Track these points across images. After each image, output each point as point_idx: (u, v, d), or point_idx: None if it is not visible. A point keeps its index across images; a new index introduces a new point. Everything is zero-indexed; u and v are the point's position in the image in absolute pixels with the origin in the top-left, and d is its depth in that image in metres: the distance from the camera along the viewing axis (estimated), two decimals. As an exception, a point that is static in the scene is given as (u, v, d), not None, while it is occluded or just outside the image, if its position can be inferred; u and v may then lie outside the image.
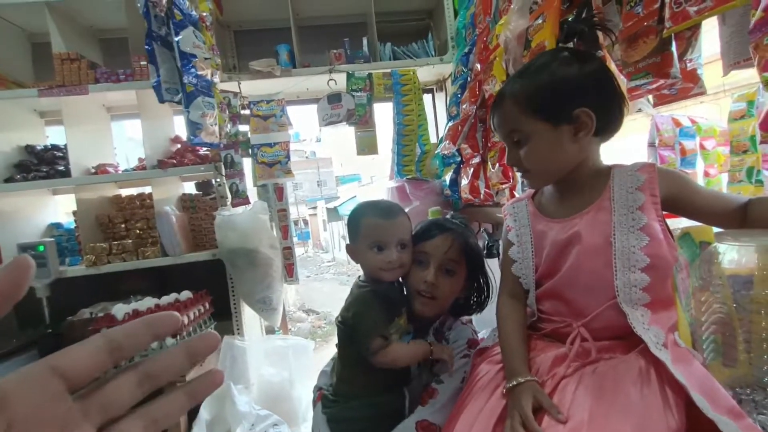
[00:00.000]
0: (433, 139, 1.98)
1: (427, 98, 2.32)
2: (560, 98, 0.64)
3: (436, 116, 2.33)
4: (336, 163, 20.37)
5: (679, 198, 0.64)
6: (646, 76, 0.77)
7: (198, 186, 1.96)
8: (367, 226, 0.86)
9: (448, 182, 1.70)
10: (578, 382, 0.60)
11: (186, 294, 1.57)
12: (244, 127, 1.80)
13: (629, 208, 0.64)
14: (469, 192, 1.45)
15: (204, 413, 1.38)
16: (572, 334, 0.66)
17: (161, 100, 1.41)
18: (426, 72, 1.98)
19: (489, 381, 0.70)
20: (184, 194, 1.97)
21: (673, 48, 0.73)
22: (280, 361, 1.75)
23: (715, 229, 0.66)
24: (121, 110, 2.03)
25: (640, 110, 1.03)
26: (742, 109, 1.53)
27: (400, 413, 0.83)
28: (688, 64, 0.77)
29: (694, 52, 0.75)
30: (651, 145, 1.72)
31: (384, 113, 1.99)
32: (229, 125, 1.71)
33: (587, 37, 0.82)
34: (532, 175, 0.71)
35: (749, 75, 0.90)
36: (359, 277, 0.93)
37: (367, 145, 1.86)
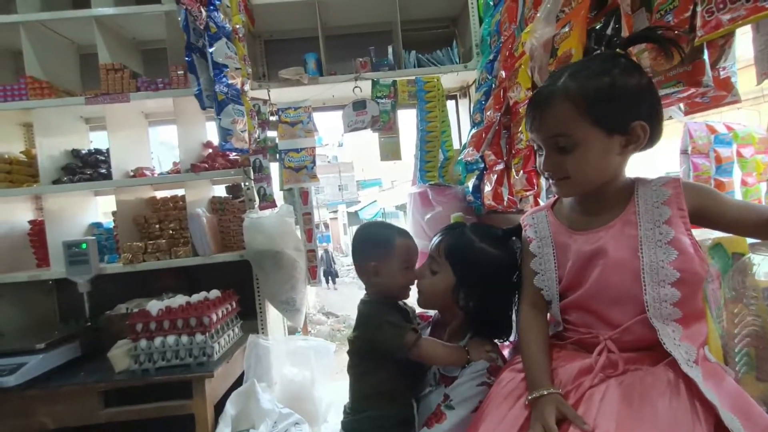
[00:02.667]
0: (456, 146, 1.99)
1: (450, 105, 2.33)
2: (621, 107, 0.62)
3: (459, 123, 2.33)
4: (357, 168, 20.56)
5: (707, 211, 0.63)
6: (677, 85, 0.76)
7: (228, 189, 2.04)
8: (403, 247, 0.93)
9: (470, 188, 1.70)
10: (604, 392, 0.59)
11: (215, 293, 1.63)
12: (272, 133, 1.87)
13: (655, 222, 0.64)
14: (492, 199, 1.45)
15: (230, 408, 1.43)
16: (599, 346, 0.65)
17: (203, 107, 1.48)
18: (450, 79, 1.99)
19: (513, 389, 0.70)
20: (214, 197, 2.05)
21: (705, 56, 0.72)
22: (303, 362, 1.79)
23: (750, 240, 0.64)
24: (157, 116, 2.15)
25: (670, 117, 1.02)
26: None
27: (410, 424, 0.85)
28: (721, 73, 0.76)
29: (727, 60, 0.74)
30: (684, 152, 1.67)
31: (407, 119, 2.01)
32: (258, 131, 1.78)
33: (659, 44, 0.72)
34: (569, 183, 0.68)
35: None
36: (365, 295, 0.97)
37: (390, 151, 1.89)
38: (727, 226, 0.64)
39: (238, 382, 1.62)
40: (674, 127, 1.69)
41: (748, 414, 0.53)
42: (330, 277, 9.37)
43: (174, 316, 1.46)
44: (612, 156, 0.65)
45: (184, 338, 1.44)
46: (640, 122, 0.62)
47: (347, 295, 7.88)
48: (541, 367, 0.67)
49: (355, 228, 1.02)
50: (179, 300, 1.55)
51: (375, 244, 0.95)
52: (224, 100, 1.39)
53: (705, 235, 0.68)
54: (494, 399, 0.70)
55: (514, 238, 0.85)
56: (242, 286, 1.82)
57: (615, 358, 0.63)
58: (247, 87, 1.63)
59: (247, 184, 1.80)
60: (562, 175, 0.67)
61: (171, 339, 1.43)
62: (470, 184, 1.69)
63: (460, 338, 0.88)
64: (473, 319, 0.86)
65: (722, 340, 0.64)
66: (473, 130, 1.58)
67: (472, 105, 1.80)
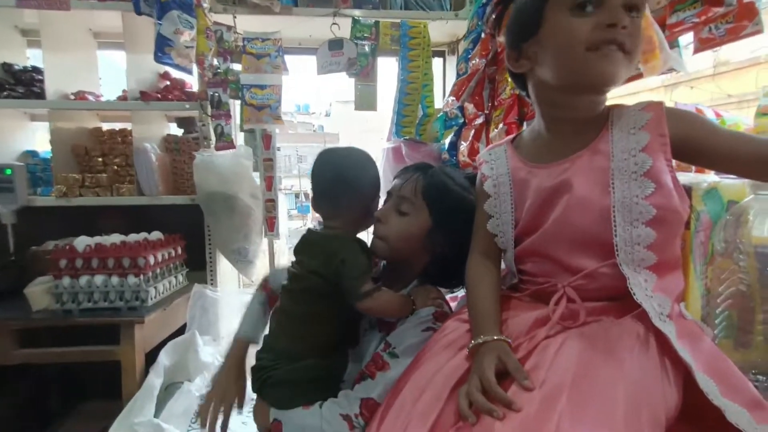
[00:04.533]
0: (438, 105, 1.85)
1: (437, 63, 2.17)
2: None
3: (445, 83, 2.18)
4: (343, 140, 20.11)
5: (693, 140, 0.52)
6: (694, 5, 0.64)
7: (179, 122, 1.84)
8: (377, 175, 0.81)
9: (446, 146, 1.58)
10: (561, 343, 0.50)
11: (156, 234, 1.48)
12: (237, 67, 1.67)
13: (631, 151, 0.53)
14: (468, 155, 1.34)
15: (164, 358, 1.31)
16: (557, 294, 0.56)
17: (138, 11, 1.28)
18: (438, 29, 1.82)
19: (456, 339, 0.60)
20: (168, 135, 1.86)
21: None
22: (253, 317, 1.67)
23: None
24: (109, 38, 1.90)
25: (672, 70, 0.91)
26: None
27: (340, 377, 0.76)
28: (745, -2, 0.65)
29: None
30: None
31: (387, 70, 1.85)
32: (218, 61, 1.58)
33: None
34: (624, 60, 0.51)
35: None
36: (325, 228, 0.80)
37: (366, 101, 1.73)
38: (716, 160, 0.54)
39: (180, 333, 1.50)
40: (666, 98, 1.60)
41: (727, 378, 0.45)
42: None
43: (104, 254, 1.30)
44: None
45: (115, 279, 1.29)
46: None
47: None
48: (489, 314, 0.58)
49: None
50: (113, 239, 1.39)
51: (361, 167, 0.78)
52: (168, 4, 1.18)
53: (699, 178, 0.58)
54: (433, 347, 0.60)
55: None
56: (194, 234, 1.67)
57: (576, 308, 0.53)
58: (206, 3, 1.42)
59: (202, 120, 1.62)
60: (629, 43, 0.51)
61: (99, 279, 1.28)
62: (447, 141, 1.57)
63: (403, 287, 0.78)
64: (437, 266, 0.76)
65: (703, 300, 0.56)
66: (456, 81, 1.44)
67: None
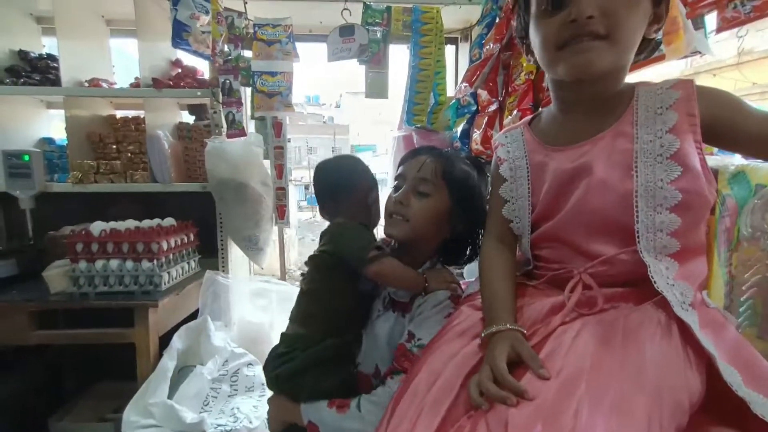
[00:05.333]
0: (450, 93, 1.82)
1: (449, 50, 2.13)
2: None
3: (457, 71, 2.14)
4: (353, 132, 20.03)
5: (724, 121, 0.49)
6: (719, -22, 0.61)
7: (191, 109, 1.84)
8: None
9: (458, 134, 1.55)
10: (579, 330, 0.49)
11: (169, 221, 1.49)
12: (248, 53, 1.66)
13: (657, 132, 0.50)
14: (481, 143, 1.31)
15: (177, 342, 1.33)
16: (573, 280, 0.54)
17: None
18: (451, 15, 1.78)
19: (470, 326, 0.59)
20: (180, 122, 1.86)
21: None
22: (264, 304, 1.69)
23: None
24: (121, 25, 1.91)
25: (696, 53, 0.87)
26: None
27: (355, 357, 0.78)
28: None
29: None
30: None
31: (399, 57, 1.82)
32: (229, 47, 1.58)
33: None
34: (604, 46, 0.49)
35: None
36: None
37: (377, 88, 1.70)
38: (746, 144, 0.51)
39: (193, 318, 1.52)
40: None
41: (751, 367, 0.43)
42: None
43: (119, 238, 1.32)
44: (643, 27, 0.51)
45: (129, 264, 1.31)
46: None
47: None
48: (502, 302, 0.57)
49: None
50: (128, 224, 1.41)
51: (348, 170, 0.86)
52: (183, -12, 1.18)
53: (726, 161, 0.55)
54: (446, 334, 0.59)
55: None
56: (206, 221, 1.68)
57: (593, 295, 0.52)
58: (217, -12, 1.41)
59: (214, 107, 1.62)
60: (604, 29, 0.49)
61: (114, 263, 1.31)
62: (459, 129, 1.55)
63: (417, 267, 0.78)
64: (450, 246, 0.79)
65: (727, 287, 0.54)
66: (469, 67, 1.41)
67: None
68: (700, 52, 0.85)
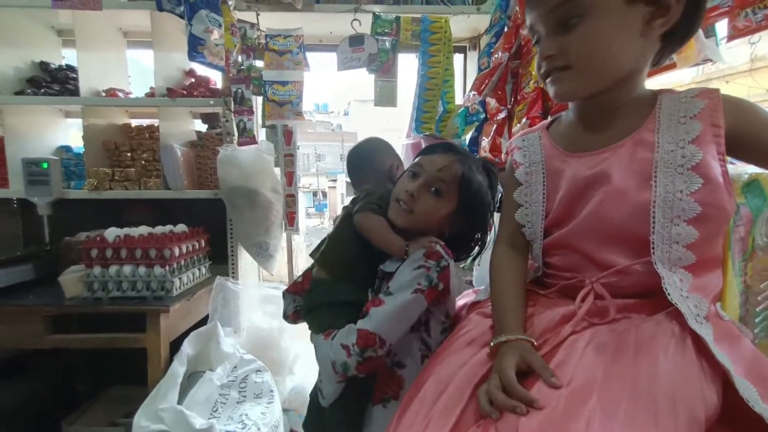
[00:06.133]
0: (459, 101, 1.83)
1: (458, 59, 2.14)
2: None
3: (466, 79, 2.15)
4: (361, 138, 20.14)
5: (750, 134, 0.48)
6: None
7: (204, 118, 1.88)
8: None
9: (467, 141, 1.55)
10: (590, 339, 0.48)
11: (181, 227, 1.52)
12: (260, 63, 1.70)
13: (679, 142, 0.49)
14: (490, 150, 1.31)
15: (187, 347, 1.35)
16: (585, 289, 0.54)
17: (159, 8, 1.31)
18: (460, 24, 1.80)
19: (480, 335, 0.59)
20: (192, 131, 1.90)
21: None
22: (273, 310, 1.70)
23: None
24: (137, 37, 1.96)
25: (707, 61, 0.86)
26: None
27: (361, 305, 0.78)
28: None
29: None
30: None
31: (408, 66, 1.84)
32: (242, 57, 1.61)
33: None
34: (571, 76, 0.52)
35: None
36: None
37: (386, 97, 1.72)
38: (765, 157, 0.50)
39: (203, 323, 1.54)
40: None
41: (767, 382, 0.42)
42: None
43: (132, 244, 1.35)
44: (631, 34, 0.49)
45: (142, 269, 1.34)
46: None
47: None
48: (512, 310, 0.56)
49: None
50: (141, 230, 1.44)
51: (382, 149, 1.02)
52: (196, 3, 1.21)
53: (739, 169, 0.55)
54: (456, 342, 0.59)
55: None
56: (217, 228, 1.71)
57: (604, 305, 0.51)
58: (231, 1, 1.45)
59: (226, 116, 1.65)
60: (564, 62, 0.52)
61: (127, 269, 1.33)
62: (467, 137, 1.55)
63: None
64: (448, 240, 0.79)
65: (742, 297, 0.53)
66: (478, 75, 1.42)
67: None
68: (711, 60, 0.85)
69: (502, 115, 1.29)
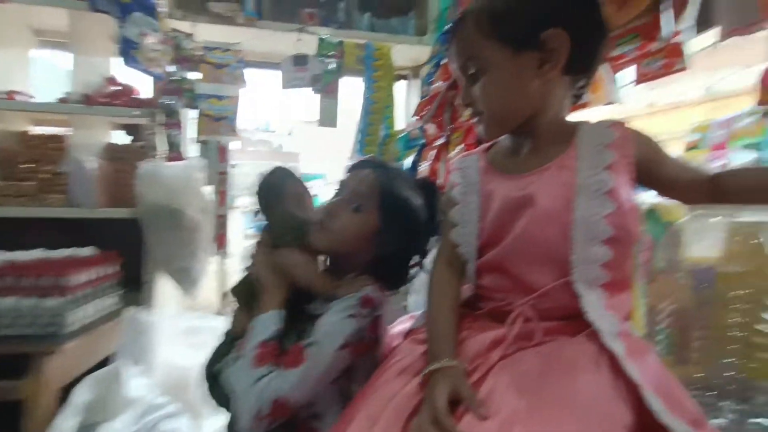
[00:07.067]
0: (400, 126, 1.88)
1: (401, 86, 2.22)
2: (525, 15, 0.52)
3: (408, 105, 2.22)
4: (304, 160, 20.02)
5: (650, 164, 0.54)
6: (633, 39, 0.69)
7: (128, 129, 1.72)
8: None
9: (407, 165, 1.59)
10: (517, 364, 0.48)
11: (88, 250, 1.33)
12: (194, 75, 1.60)
13: (596, 168, 0.53)
14: (429, 175, 1.34)
15: (80, 395, 1.13)
16: (513, 313, 0.54)
17: (94, 8, 1.19)
18: (402, 53, 1.87)
19: (411, 363, 0.56)
20: (112, 143, 1.72)
21: (661, 12, 0.66)
22: (195, 343, 1.53)
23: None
24: (52, 37, 1.77)
25: (611, 103, 0.97)
26: (696, 140, 1.57)
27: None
28: (674, 39, 0.71)
29: (684, 23, 0.68)
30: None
31: (352, 88, 1.86)
32: (175, 68, 1.51)
33: None
34: (485, 121, 0.58)
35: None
36: None
37: (330, 117, 1.72)
38: (663, 185, 0.56)
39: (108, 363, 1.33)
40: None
41: (672, 395, 0.44)
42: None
43: (19, 272, 1.14)
44: (526, 79, 0.54)
45: (29, 301, 1.12)
46: (552, 31, 0.51)
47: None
48: (445, 335, 0.55)
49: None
50: (35, 254, 1.23)
51: (298, 178, 0.83)
52: (130, 5, 1.11)
53: (641, 198, 0.60)
54: (385, 372, 0.56)
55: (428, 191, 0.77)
56: (135, 251, 1.52)
57: (532, 327, 0.51)
58: (164, 8, 1.37)
59: (152, 128, 1.52)
60: (477, 109, 0.58)
61: (10, 301, 1.11)
62: (407, 161, 1.58)
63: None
64: (378, 266, 0.72)
65: (647, 317, 0.56)
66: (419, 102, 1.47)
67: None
68: (616, 102, 0.95)
69: (440, 142, 1.33)
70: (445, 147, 1.32)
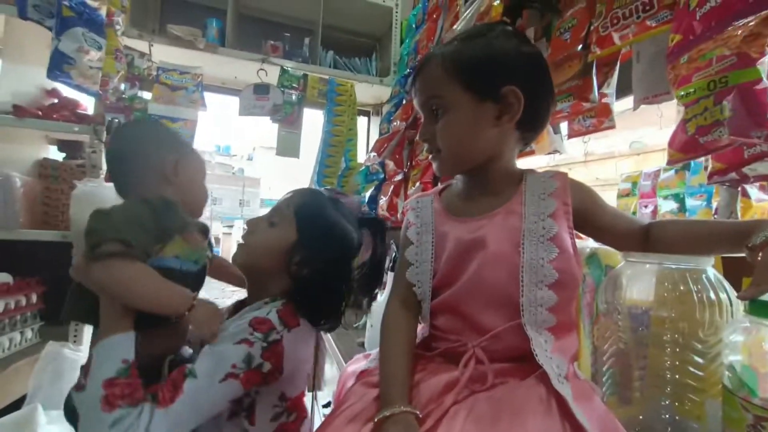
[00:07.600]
0: (361, 160, 1.91)
1: (362, 121, 2.29)
2: (491, 69, 0.57)
3: (369, 139, 2.28)
4: (264, 186, 19.51)
5: (587, 212, 0.59)
6: (568, 98, 0.77)
7: (61, 145, 1.58)
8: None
9: (366, 199, 1.60)
10: (470, 410, 0.48)
11: (3, 277, 1.17)
12: (148, 95, 1.53)
13: (540, 215, 0.58)
14: (387, 209, 1.36)
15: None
16: (467, 355, 0.55)
17: (23, 15, 1.11)
18: (364, 91, 1.94)
19: (363, 410, 0.54)
20: (45, 159, 1.57)
21: (594, 76, 0.75)
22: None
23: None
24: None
25: (556, 151, 1.07)
26: (628, 188, 1.76)
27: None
28: (603, 99, 0.80)
29: (609, 87, 0.78)
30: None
31: (312, 119, 1.87)
32: (126, 86, 1.44)
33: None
34: (441, 158, 0.61)
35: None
36: None
37: (288, 147, 1.70)
38: (600, 232, 0.61)
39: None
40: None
41: (614, 437, 0.46)
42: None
43: None
44: (485, 126, 0.58)
45: None
46: (511, 87, 0.56)
47: (225, 318, 6.98)
48: (398, 378, 0.54)
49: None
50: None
51: (173, 136, 0.71)
52: (72, 19, 1.06)
53: (582, 244, 0.65)
54: (336, 420, 0.53)
55: (365, 229, 0.77)
56: (62, 278, 1.36)
57: (484, 370, 0.53)
58: (119, 26, 1.31)
59: (93, 146, 1.41)
60: (435, 146, 0.61)
61: None
62: (367, 194, 1.60)
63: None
64: (298, 292, 0.68)
65: (592, 357, 0.60)
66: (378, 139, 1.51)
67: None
68: (558, 151, 1.05)
69: (399, 177, 1.37)
70: (403, 183, 1.36)
